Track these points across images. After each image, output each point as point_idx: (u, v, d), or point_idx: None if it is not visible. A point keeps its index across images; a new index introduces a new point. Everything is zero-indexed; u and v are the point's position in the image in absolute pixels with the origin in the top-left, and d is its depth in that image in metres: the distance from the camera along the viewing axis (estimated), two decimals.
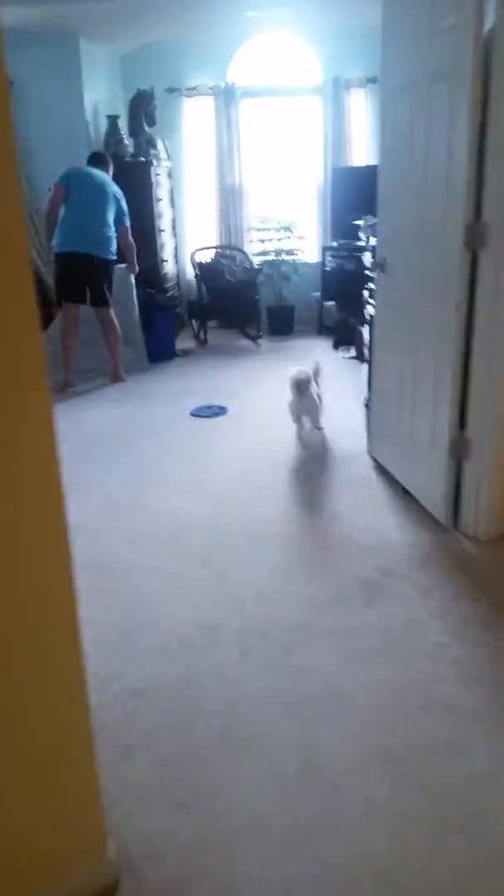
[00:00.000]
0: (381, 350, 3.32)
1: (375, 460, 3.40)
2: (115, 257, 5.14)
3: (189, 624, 2.26)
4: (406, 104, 2.81)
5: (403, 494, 3.05)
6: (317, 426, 3.87)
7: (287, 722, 1.84)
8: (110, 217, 5.07)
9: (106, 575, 2.58)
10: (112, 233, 5.09)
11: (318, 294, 6.66)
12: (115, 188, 5.13)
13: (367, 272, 4.43)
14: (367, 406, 3.67)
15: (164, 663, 2.09)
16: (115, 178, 5.20)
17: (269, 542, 2.78)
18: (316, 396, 3.79)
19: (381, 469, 3.33)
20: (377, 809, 1.56)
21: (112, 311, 5.19)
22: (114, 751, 1.78)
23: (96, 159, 5.23)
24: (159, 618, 2.31)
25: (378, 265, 3.19)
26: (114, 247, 5.12)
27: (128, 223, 5.22)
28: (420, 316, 2.82)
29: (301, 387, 3.67)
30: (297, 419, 3.83)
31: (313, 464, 3.55)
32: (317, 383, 3.84)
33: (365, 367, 4.61)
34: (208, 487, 3.31)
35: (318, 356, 5.69)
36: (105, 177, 5.11)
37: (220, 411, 4.44)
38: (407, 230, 2.90)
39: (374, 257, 3.98)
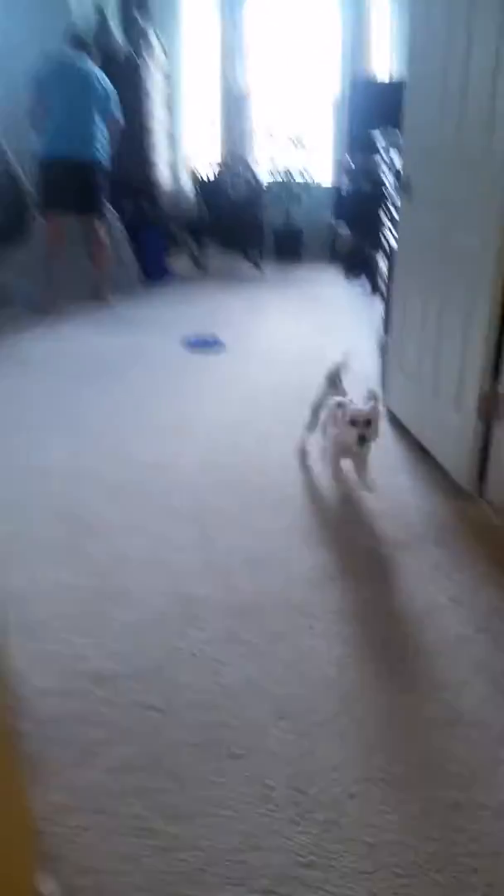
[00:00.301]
0: (402, 285, 2.91)
1: (390, 411, 3.04)
2: (107, 159, 4.61)
3: (169, 596, 1.95)
4: None
5: (421, 453, 2.71)
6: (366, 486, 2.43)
7: (277, 727, 1.55)
8: (99, 113, 4.51)
9: (81, 531, 2.26)
10: (102, 132, 4.54)
11: (330, 216, 6.15)
12: (100, 76, 4.52)
13: (386, 194, 3.96)
14: (382, 349, 3.28)
15: (138, 643, 1.79)
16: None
17: (265, 500, 2.45)
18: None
19: (396, 421, 2.98)
20: (381, 856, 1.28)
21: (101, 222, 4.71)
22: (69, 749, 1.50)
23: (76, 43, 4.58)
24: (136, 586, 2.00)
25: (402, 187, 2.75)
26: (105, 147, 4.58)
27: (117, 114, 4.62)
28: (451, 249, 2.41)
29: (363, 435, 2.26)
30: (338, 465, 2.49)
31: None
32: (341, 381, 2.59)
33: (380, 301, 4.19)
34: (199, 433, 2.96)
35: (329, 291, 5.25)
36: (89, 65, 4.50)
37: (216, 346, 4.04)
38: (439, 149, 2.45)
39: (397, 178, 3.52)
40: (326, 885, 1.23)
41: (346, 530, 2.27)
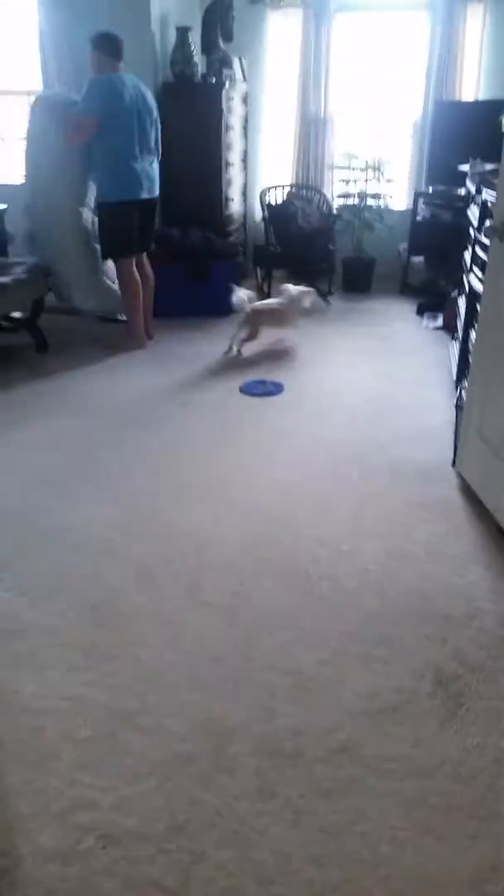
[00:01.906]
0: (488, 341, 2.55)
1: (463, 480, 2.68)
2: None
3: (193, 723, 1.66)
4: None
5: (501, 536, 2.34)
6: None
7: None
8: (156, 136, 4.24)
9: (105, 622, 1.99)
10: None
11: (404, 246, 5.79)
12: (151, 96, 4.18)
13: (471, 229, 3.61)
14: (458, 406, 2.92)
15: (148, 789, 1.50)
16: (182, 103, 4.27)
17: (313, 593, 2.11)
18: None
19: (470, 494, 2.61)
20: None
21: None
22: None
23: (118, 49, 3.93)
24: (157, 705, 1.71)
25: (496, 232, 2.40)
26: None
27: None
28: None
29: None
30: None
31: (382, 474, 2.84)
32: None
33: (455, 345, 3.84)
34: (246, 499, 2.66)
35: (398, 328, 4.93)
36: (139, 83, 4.08)
37: (274, 389, 3.75)
38: None
39: (483, 215, 3.18)
40: None
41: (408, 637, 1.93)
